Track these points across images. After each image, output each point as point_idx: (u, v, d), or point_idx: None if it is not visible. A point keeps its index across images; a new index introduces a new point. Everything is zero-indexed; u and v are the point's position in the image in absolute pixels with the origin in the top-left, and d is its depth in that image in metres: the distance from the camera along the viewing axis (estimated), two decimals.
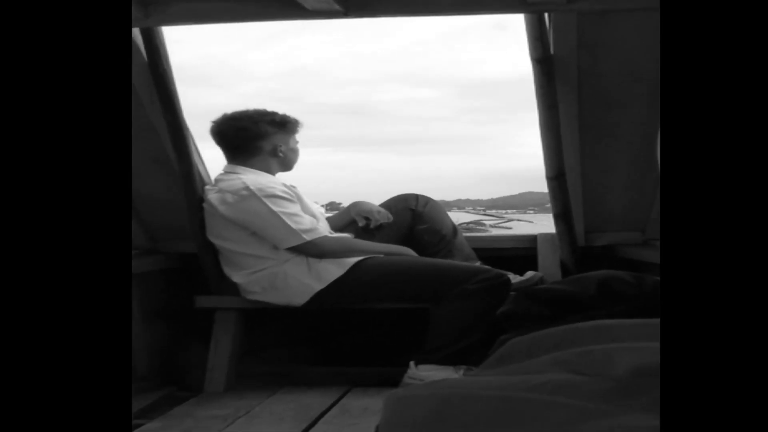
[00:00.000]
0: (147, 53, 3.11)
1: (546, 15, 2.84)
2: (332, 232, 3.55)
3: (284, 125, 3.51)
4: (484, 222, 4.49)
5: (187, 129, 3.37)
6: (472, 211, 5.29)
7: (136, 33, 3.05)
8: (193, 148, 3.46)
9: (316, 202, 3.72)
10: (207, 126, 3.57)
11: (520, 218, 4.74)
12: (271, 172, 3.51)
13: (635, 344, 1.22)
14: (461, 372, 3.23)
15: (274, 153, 3.49)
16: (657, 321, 1.13)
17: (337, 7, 2.64)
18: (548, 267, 3.70)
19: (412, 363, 3.29)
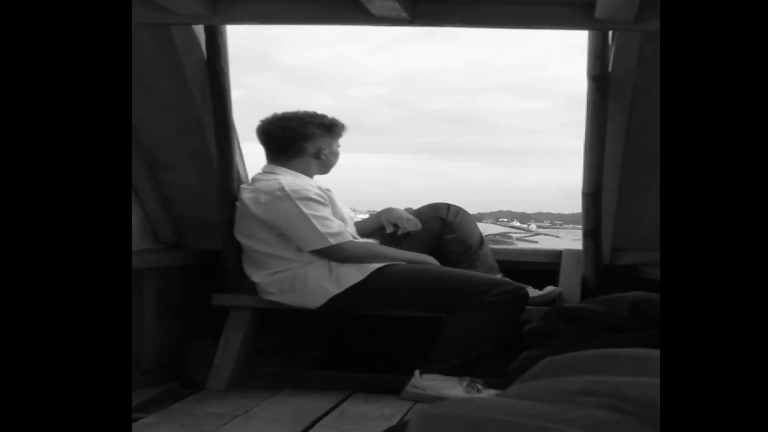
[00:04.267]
0: (207, 50, 3.13)
1: (610, 33, 2.89)
2: (357, 236, 3.56)
3: (331, 129, 3.54)
4: (510, 234, 4.52)
5: (233, 128, 3.39)
6: (500, 224, 5.32)
7: (199, 30, 3.06)
8: (236, 146, 3.48)
9: (353, 209, 3.74)
10: None
11: (547, 233, 4.78)
12: (309, 174, 3.53)
13: None
14: (465, 383, 3.26)
15: (317, 155, 3.52)
16: None
17: (404, 14, 2.67)
18: (569, 284, 3.72)
19: (416, 372, 3.30)
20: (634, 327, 1.88)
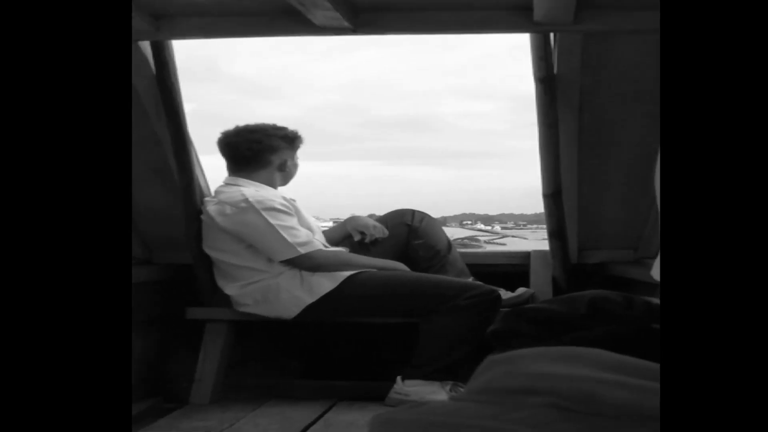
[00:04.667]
0: (156, 66, 3.13)
1: (552, 35, 2.90)
2: (327, 245, 3.57)
3: (293, 141, 3.56)
4: (478, 238, 4.53)
5: (190, 141, 3.40)
6: (465, 227, 5.34)
7: (146, 46, 3.07)
8: (195, 160, 3.49)
9: (317, 217, 3.75)
10: None
11: (514, 234, 4.79)
12: (273, 185, 3.54)
13: (619, 378, 1.24)
14: (448, 387, 3.27)
15: (281, 167, 3.54)
16: (642, 361, 1.16)
17: (346, 23, 2.68)
18: (540, 284, 3.73)
19: (398, 378, 3.31)
20: (593, 325, 1.90)
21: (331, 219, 4.27)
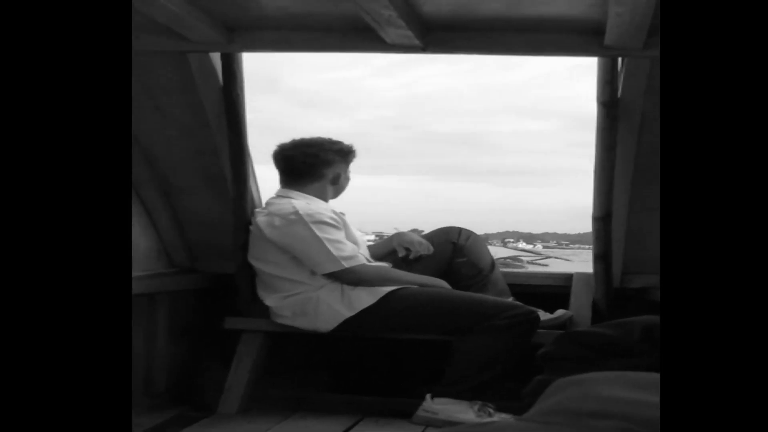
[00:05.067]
0: (223, 77, 3.18)
1: (619, 60, 2.93)
2: (370, 260, 3.59)
3: (347, 155, 3.60)
4: (521, 258, 4.55)
5: (248, 153, 3.44)
6: (508, 245, 5.35)
7: (215, 57, 3.12)
8: (250, 170, 3.52)
9: (360, 230, 3.77)
10: None
11: (557, 256, 4.80)
12: (325, 198, 3.58)
13: None
14: (476, 407, 3.27)
15: (334, 181, 3.58)
16: None
17: (416, 42, 2.72)
18: (580, 306, 3.73)
19: (428, 395, 3.32)
20: (644, 351, 1.91)
21: (374, 233, 4.29)
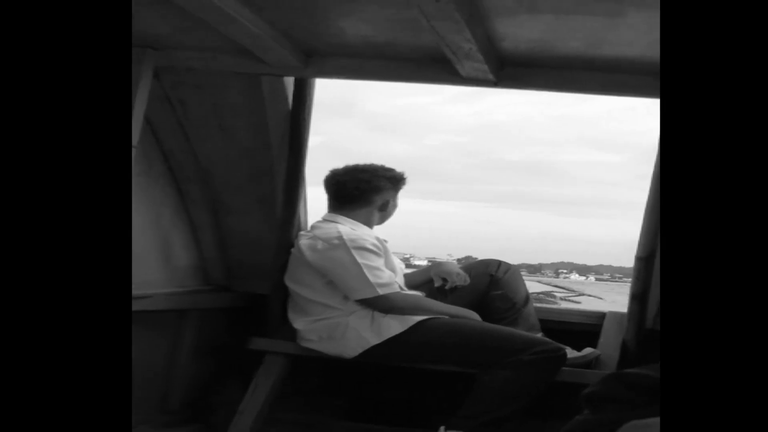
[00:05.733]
0: (293, 101, 3.23)
1: None
2: (405, 288, 3.62)
3: (399, 182, 3.65)
4: (554, 294, 4.57)
5: (303, 177, 3.48)
6: (545, 283, 5.39)
7: (288, 81, 3.17)
8: (302, 195, 3.56)
9: (413, 255, 3.80)
10: None
11: (590, 294, 4.84)
12: (370, 224, 3.62)
13: None
14: None
15: (383, 207, 3.62)
16: None
17: (490, 76, 2.78)
18: (609, 345, 3.71)
19: (442, 428, 3.29)
20: None
21: (426, 258, 4.31)
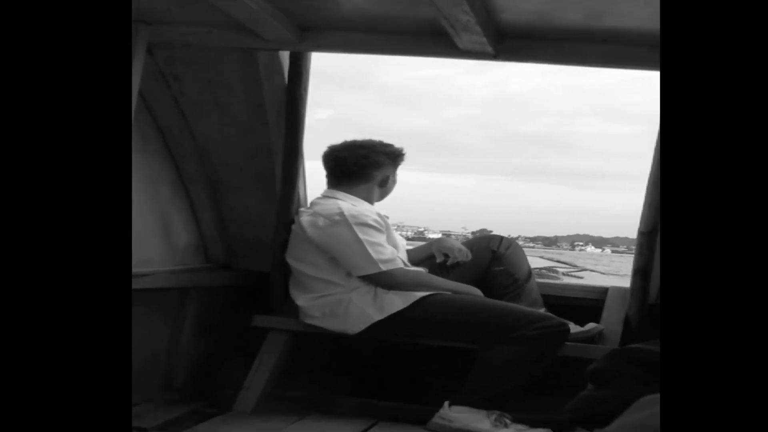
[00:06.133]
0: (289, 76, 3.19)
1: None
2: (408, 264, 3.60)
3: (398, 157, 3.62)
4: (557, 269, 4.56)
5: (301, 153, 3.46)
6: (547, 258, 5.38)
7: (283, 55, 3.13)
8: (301, 171, 3.54)
9: (428, 229, 3.78)
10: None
11: (593, 269, 4.81)
12: (371, 200, 3.60)
13: None
14: (493, 417, 3.26)
15: (382, 183, 3.60)
16: None
17: (489, 49, 2.74)
18: (611, 321, 3.70)
19: (446, 403, 3.31)
20: None
21: (441, 231, 4.28)
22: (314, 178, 3.76)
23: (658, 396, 1.44)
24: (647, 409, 1.50)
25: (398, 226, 3.96)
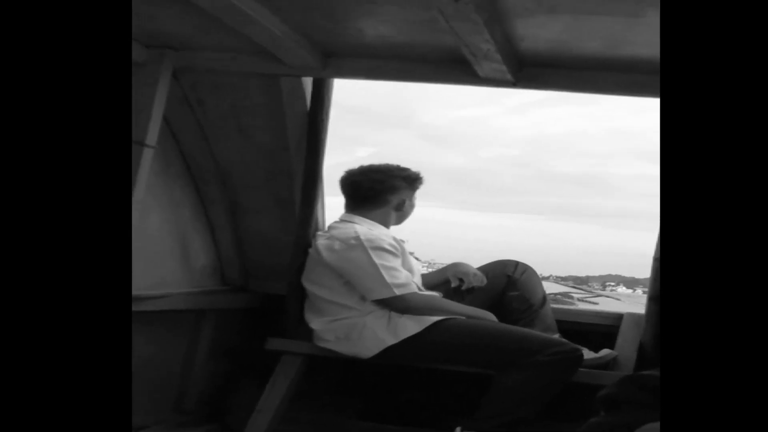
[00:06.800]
0: (311, 101, 3.24)
1: None
2: (422, 289, 3.62)
3: (414, 182, 3.65)
4: (572, 295, 4.56)
5: (321, 178, 3.49)
6: (562, 283, 5.38)
7: (306, 82, 3.18)
8: (320, 195, 3.57)
9: (418, 259, 3.80)
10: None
11: (609, 295, 4.81)
12: (387, 225, 3.62)
13: None
14: None
15: (398, 207, 3.62)
16: None
17: (508, 76, 2.78)
18: (626, 347, 3.69)
19: (458, 428, 3.29)
20: None
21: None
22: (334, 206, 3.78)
23: (658, 424, 1.46)
24: None
25: (429, 264, 3.99)
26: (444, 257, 3.96)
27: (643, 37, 2.51)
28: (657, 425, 1.49)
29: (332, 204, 3.77)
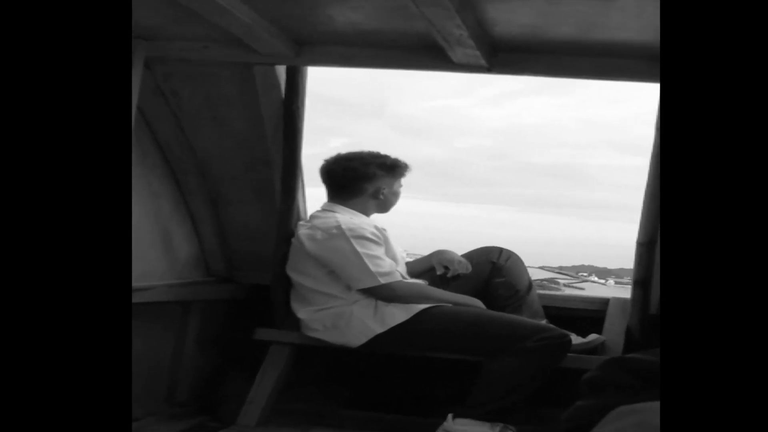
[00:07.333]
0: (286, 90, 3.22)
1: None
2: (407, 277, 3.61)
3: (392, 169, 3.61)
4: (558, 280, 4.55)
5: (300, 167, 3.47)
6: (548, 269, 5.37)
7: (279, 70, 3.15)
8: (300, 185, 3.55)
9: (405, 251, 3.79)
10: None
11: (594, 280, 4.81)
12: (367, 213, 3.60)
13: None
14: (498, 429, 3.24)
15: (375, 195, 3.59)
16: None
17: (482, 62, 2.75)
18: (613, 332, 3.71)
19: (450, 415, 3.29)
20: None
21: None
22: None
23: (631, 407, 1.45)
24: (620, 420, 1.50)
25: (407, 254, 3.97)
26: (420, 248, 3.94)
27: (616, 21, 2.49)
28: (631, 407, 1.48)
29: (312, 194, 3.73)
